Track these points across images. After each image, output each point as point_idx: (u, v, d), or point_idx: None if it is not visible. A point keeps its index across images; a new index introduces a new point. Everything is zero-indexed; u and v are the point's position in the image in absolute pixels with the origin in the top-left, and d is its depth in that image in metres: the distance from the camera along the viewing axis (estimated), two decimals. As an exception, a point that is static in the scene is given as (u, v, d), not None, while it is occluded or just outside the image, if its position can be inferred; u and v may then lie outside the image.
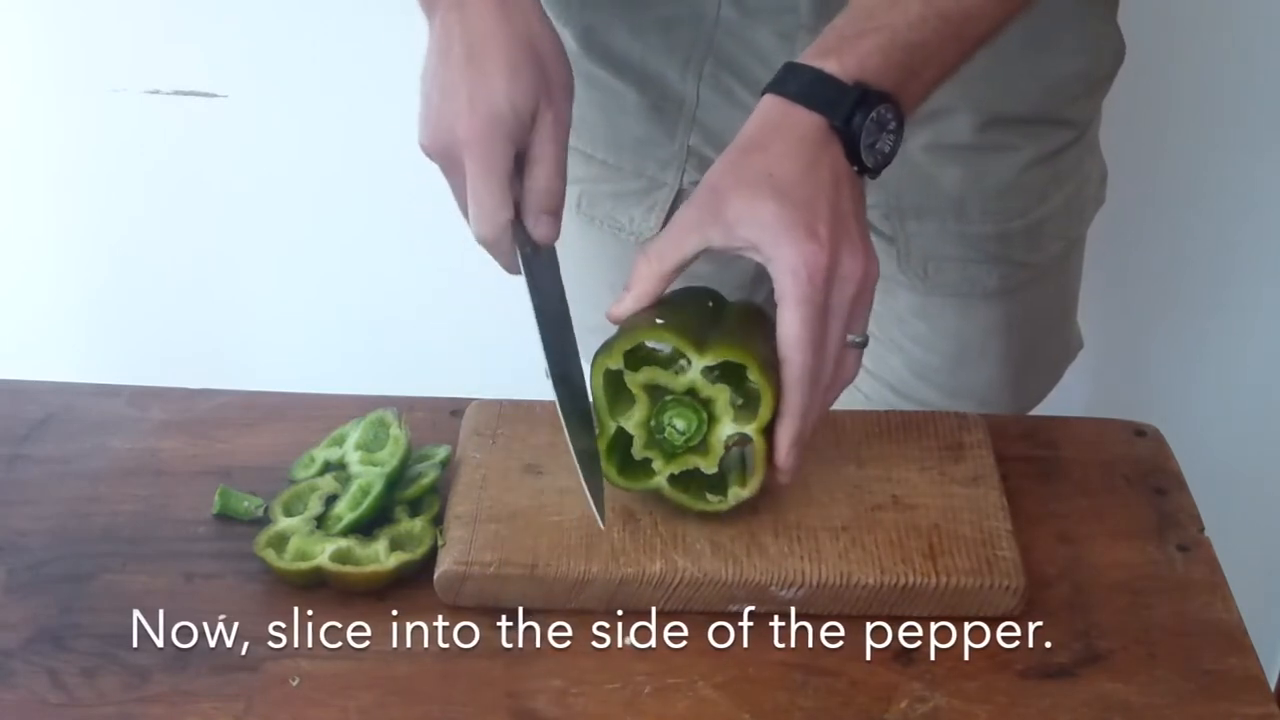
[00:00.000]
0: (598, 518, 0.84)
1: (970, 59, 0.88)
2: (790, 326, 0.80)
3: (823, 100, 0.83)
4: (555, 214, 0.88)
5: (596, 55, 1.09)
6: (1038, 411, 1.24)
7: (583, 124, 1.14)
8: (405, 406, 0.95)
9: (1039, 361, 1.23)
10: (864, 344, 0.84)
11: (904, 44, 0.84)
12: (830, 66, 0.83)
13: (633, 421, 0.85)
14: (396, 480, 0.89)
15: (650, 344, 0.84)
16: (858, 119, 0.82)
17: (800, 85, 0.83)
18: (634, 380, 0.84)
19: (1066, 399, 1.29)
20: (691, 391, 0.84)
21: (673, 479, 0.85)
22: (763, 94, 0.85)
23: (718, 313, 0.87)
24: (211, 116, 1.66)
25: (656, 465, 0.85)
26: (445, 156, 0.88)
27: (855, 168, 0.84)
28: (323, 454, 0.93)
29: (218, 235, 1.76)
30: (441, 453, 0.92)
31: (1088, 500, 0.93)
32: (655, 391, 0.84)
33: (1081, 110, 1.11)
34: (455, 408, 0.98)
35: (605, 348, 0.84)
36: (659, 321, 0.83)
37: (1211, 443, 1.39)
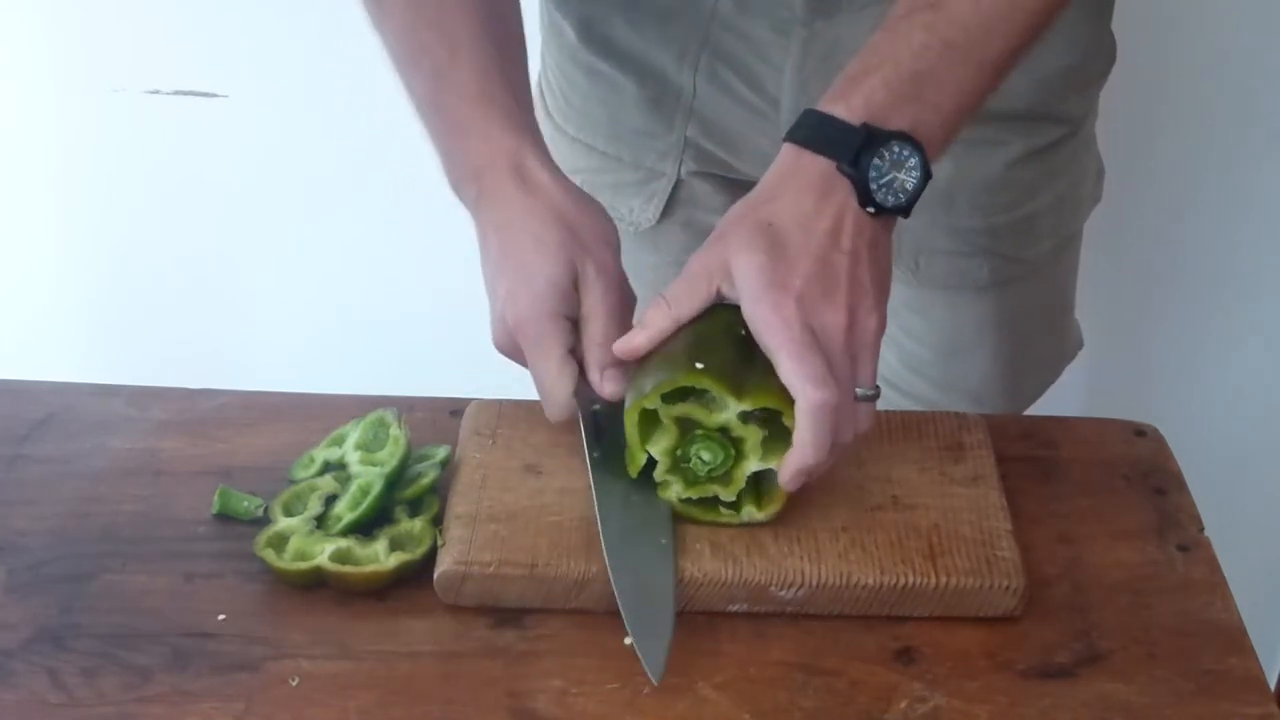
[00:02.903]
0: (651, 677, 0.79)
1: (995, 86, 0.87)
2: (784, 368, 0.80)
3: (830, 143, 0.83)
4: (618, 366, 0.88)
5: (595, 47, 1.10)
6: (1037, 411, 1.24)
7: (583, 116, 1.15)
8: (405, 406, 0.95)
9: (1034, 358, 1.23)
10: (874, 396, 0.83)
11: (909, 75, 0.83)
12: (838, 110, 0.83)
13: (659, 448, 0.85)
14: (396, 480, 0.89)
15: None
16: (864, 159, 0.82)
17: (809, 130, 0.84)
18: (668, 413, 0.84)
19: (1066, 398, 1.29)
20: (723, 429, 0.84)
21: (687, 500, 0.86)
22: (784, 141, 0.85)
23: (751, 344, 0.84)
24: (211, 116, 1.66)
25: (676, 489, 0.85)
26: (511, 351, 0.90)
27: (872, 209, 0.83)
28: (323, 454, 0.93)
29: (217, 235, 1.76)
30: (441, 453, 0.92)
31: (1088, 500, 0.93)
32: (686, 423, 0.84)
33: (1072, 107, 1.11)
34: (455, 408, 0.98)
35: (640, 387, 0.84)
36: (699, 366, 0.82)
37: (1211, 443, 1.40)
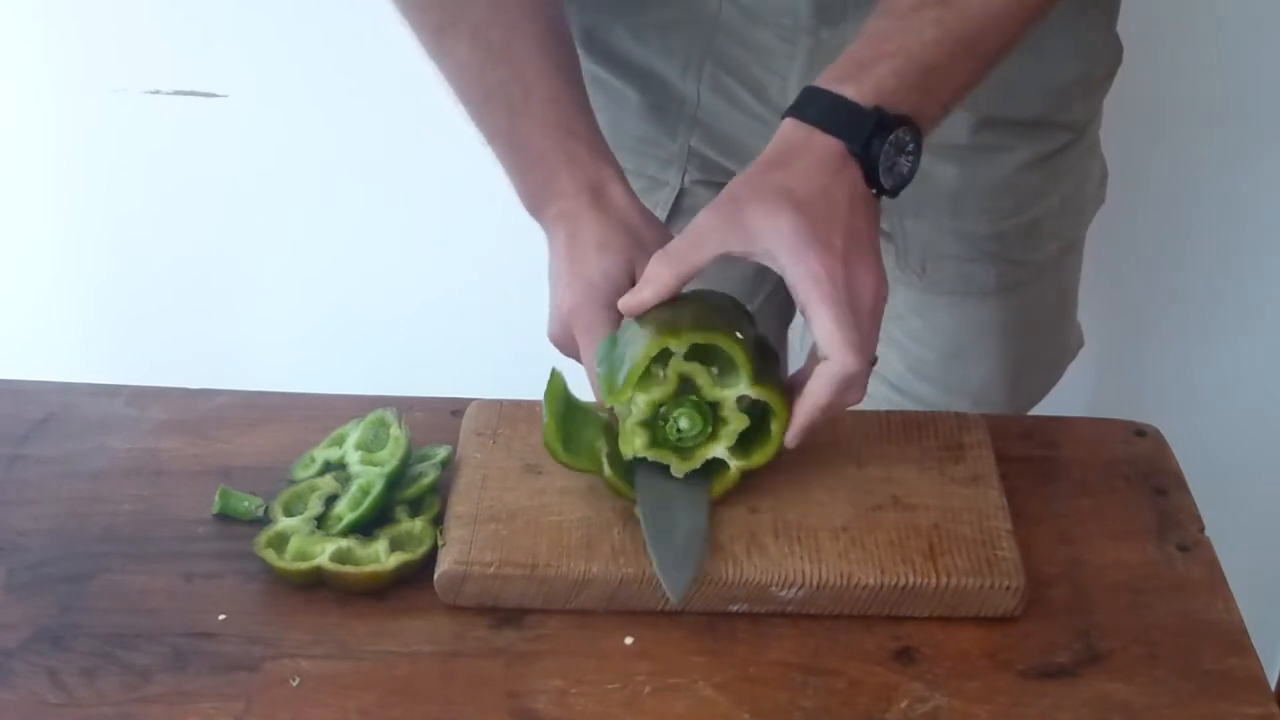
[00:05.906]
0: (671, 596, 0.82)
1: (985, 77, 0.89)
2: (826, 326, 0.81)
3: (842, 125, 0.84)
4: None
5: (597, 55, 1.10)
6: (1038, 411, 1.24)
7: None
8: (405, 406, 0.95)
9: (1037, 360, 1.23)
10: (872, 363, 0.84)
11: (919, 67, 0.85)
12: (849, 92, 0.84)
13: (648, 396, 0.84)
14: (396, 480, 0.89)
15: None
16: (876, 143, 0.83)
17: (820, 111, 0.85)
18: (678, 366, 0.84)
19: (1066, 398, 1.29)
20: (715, 405, 0.84)
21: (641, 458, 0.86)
22: (783, 117, 0.86)
23: (763, 348, 0.87)
24: (211, 116, 1.66)
25: (638, 442, 0.85)
26: (564, 340, 0.91)
27: (873, 189, 0.85)
28: (323, 454, 0.93)
29: (218, 235, 1.76)
30: (441, 453, 0.92)
31: (1088, 500, 0.93)
32: (685, 384, 0.85)
33: (1078, 112, 1.11)
34: (455, 408, 0.98)
35: (674, 329, 0.83)
36: (739, 335, 0.83)
37: (1211, 443, 1.39)
